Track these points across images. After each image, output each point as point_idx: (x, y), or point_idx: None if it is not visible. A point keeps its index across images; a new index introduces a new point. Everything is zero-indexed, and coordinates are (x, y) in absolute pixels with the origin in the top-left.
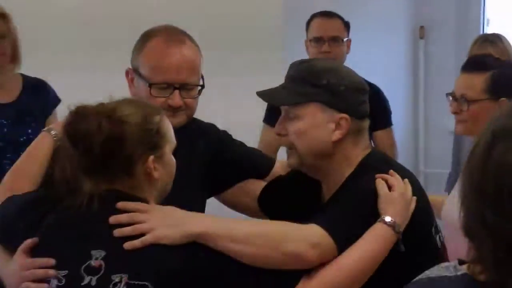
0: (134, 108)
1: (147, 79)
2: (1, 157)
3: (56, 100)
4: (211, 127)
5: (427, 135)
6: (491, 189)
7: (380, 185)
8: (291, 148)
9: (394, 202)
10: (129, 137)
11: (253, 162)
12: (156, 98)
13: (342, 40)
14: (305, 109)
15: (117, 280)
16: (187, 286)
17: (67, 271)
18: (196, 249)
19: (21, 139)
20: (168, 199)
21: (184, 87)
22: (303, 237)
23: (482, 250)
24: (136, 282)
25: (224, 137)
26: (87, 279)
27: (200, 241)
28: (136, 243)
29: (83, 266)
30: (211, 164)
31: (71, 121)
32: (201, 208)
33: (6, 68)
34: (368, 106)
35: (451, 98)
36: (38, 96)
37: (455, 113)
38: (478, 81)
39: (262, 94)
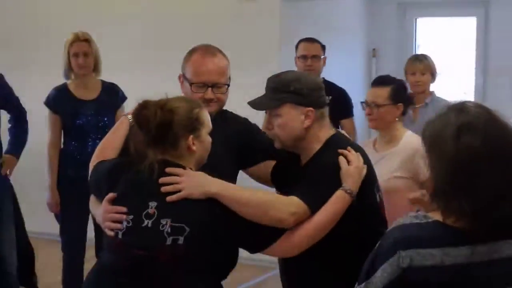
0: (181, 102)
1: (189, 81)
2: (86, 137)
3: (124, 98)
4: (244, 119)
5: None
6: (458, 164)
7: (342, 161)
8: (274, 139)
9: (352, 175)
10: (176, 122)
11: (270, 148)
12: (195, 93)
13: (320, 57)
14: (282, 109)
15: (164, 223)
16: (207, 228)
17: (132, 216)
18: (213, 205)
19: (100, 125)
20: (207, 168)
21: (215, 86)
22: (285, 207)
23: (451, 206)
24: (177, 224)
25: (253, 128)
26: (145, 222)
27: (216, 198)
28: (174, 197)
29: (143, 213)
30: (242, 147)
31: (137, 110)
32: (233, 177)
33: (90, 76)
34: (325, 98)
35: (365, 105)
36: (111, 95)
37: (368, 114)
38: (383, 92)
39: (251, 103)
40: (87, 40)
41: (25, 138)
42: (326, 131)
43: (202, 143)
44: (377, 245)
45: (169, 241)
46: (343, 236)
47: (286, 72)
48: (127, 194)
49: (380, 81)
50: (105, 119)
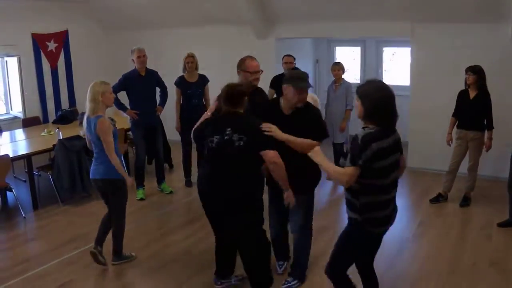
0: (238, 83)
1: (246, 70)
2: (192, 99)
3: (207, 81)
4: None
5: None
6: (380, 103)
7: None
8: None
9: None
10: (237, 93)
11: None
12: (251, 75)
13: (293, 63)
14: (286, 88)
15: (235, 138)
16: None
17: (219, 136)
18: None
19: (197, 93)
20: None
21: (258, 72)
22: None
23: (381, 121)
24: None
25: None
26: (226, 137)
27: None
28: (266, 132)
29: (225, 133)
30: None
31: (224, 88)
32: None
33: (193, 72)
34: (304, 83)
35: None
36: (203, 80)
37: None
38: None
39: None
40: (192, 56)
41: (166, 99)
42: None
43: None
44: (356, 143)
45: (237, 143)
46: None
47: (298, 71)
48: (214, 125)
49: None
50: (200, 90)
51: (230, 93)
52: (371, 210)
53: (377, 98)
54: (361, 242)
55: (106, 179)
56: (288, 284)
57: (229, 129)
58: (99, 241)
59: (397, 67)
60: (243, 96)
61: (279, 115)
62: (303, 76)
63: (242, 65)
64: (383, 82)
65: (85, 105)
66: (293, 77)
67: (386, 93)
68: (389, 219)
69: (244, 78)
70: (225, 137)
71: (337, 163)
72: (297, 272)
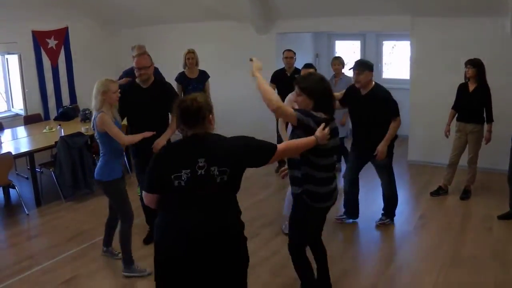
0: (193, 95)
1: (134, 67)
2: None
3: (208, 76)
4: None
5: None
6: (324, 94)
7: None
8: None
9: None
10: (195, 109)
11: None
12: (138, 71)
13: (293, 57)
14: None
15: (215, 172)
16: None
17: (188, 169)
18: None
19: (198, 89)
20: None
21: (144, 68)
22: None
23: (327, 111)
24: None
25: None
26: (200, 171)
27: None
28: None
29: (196, 166)
30: None
31: (175, 105)
32: None
33: (194, 67)
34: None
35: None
36: (204, 76)
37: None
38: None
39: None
40: (193, 52)
41: None
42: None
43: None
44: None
45: (218, 179)
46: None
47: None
48: (174, 154)
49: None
50: (200, 86)
51: (186, 110)
52: (311, 183)
53: (322, 89)
54: (304, 217)
55: (100, 181)
56: (382, 221)
57: (201, 159)
58: (106, 242)
59: (397, 61)
60: (204, 110)
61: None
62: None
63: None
64: (318, 73)
65: (88, 101)
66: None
67: (326, 83)
68: (330, 197)
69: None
70: (199, 172)
71: (338, 157)
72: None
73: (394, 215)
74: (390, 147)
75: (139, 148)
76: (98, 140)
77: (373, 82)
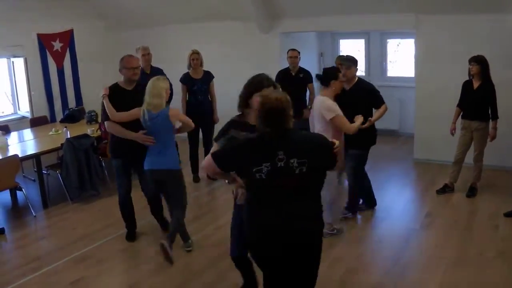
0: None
1: (126, 67)
2: (197, 95)
3: (212, 77)
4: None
5: None
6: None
7: None
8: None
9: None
10: (281, 108)
11: None
12: (130, 71)
13: (298, 57)
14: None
15: (294, 164)
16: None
17: (269, 162)
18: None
19: (202, 90)
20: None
21: (137, 67)
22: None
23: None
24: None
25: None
26: (279, 164)
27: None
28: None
29: (276, 159)
30: None
31: (260, 102)
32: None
33: (199, 68)
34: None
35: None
36: (208, 76)
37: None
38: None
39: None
40: (197, 53)
41: (172, 95)
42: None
43: None
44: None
45: (297, 170)
46: None
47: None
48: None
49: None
50: (205, 87)
51: (272, 110)
52: None
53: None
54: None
55: (172, 170)
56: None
57: (281, 152)
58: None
59: (402, 58)
60: (287, 109)
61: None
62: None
63: (122, 63)
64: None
65: (93, 103)
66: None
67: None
68: None
69: (126, 75)
70: (278, 164)
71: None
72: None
73: (357, 209)
74: (368, 140)
75: (123, 150)
76: (165, 134)
77: (356, 77)
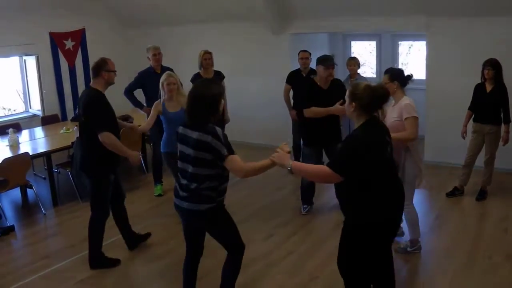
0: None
1: (111, 70)
2: None
3: (223, 77)
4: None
5: None
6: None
7: None
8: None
9: None
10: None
11: None
12: (115, 74)
13: (309, 58)
14: (317, 68)
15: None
16: None
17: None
18: None
19: None
20: None
21: None
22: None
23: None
24: None
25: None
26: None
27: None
28: None
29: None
30: None
31: (366, 91)
32: None
33: (210, 68)
34: (329, 62)
35: None
36: (219, 76)
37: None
38: (385, 77)
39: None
40: (210, 53)
41: None
42: None
43: None
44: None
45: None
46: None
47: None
48: None
49: (384, 71)
50: None
51: (383, 97)
52: None
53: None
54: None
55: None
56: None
57: (387, 136)
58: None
59: (414, 61)
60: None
61: (318, 90)
62: (328, 57)
63: (106, 66)
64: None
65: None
66: (320, 59)
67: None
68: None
69: (108, 78)
70: (388, 148)
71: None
72: None
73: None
74: None
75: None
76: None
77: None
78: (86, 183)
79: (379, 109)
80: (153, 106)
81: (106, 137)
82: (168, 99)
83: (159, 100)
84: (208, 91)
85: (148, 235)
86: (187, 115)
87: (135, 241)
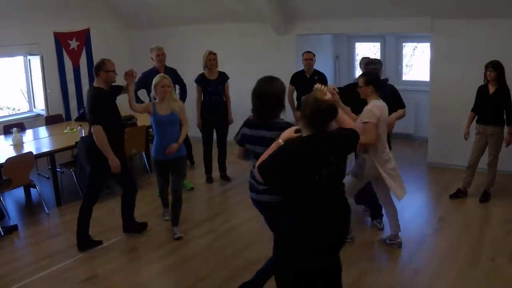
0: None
1: (109, 70)
2: (212, 96)
3: (227, 78)
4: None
5: None
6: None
7: None
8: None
9: None
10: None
11: None
12: (114, 73)
13: (313, 59)
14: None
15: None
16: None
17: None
18: None
19: (217, 90)
20: None
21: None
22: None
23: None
24: None
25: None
26: (333, 166)
27: None
28: None
29: (329, 161)
30: None
31: (311, 104)
32: None
33: (214, 69)
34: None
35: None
36: (223, 77)
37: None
38: (361, 80)
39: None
40: (214, 54)
41: (186, 96)
42: None
43: None
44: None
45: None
46: None
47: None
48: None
49: (360, 75)
50: (220, 88)
51: (320, 110)
52: None
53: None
54: None
55: (183, 156)
56: None
57: (332, 156)
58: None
59: (418, 62)
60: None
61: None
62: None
63: (104, 66)
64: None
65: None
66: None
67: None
68: None
69: (107, 77)
70: (332, 167)
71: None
72: None
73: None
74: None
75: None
76: (176, 124)
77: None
78: (87, 171)
79: (326, 125)
80: (144, 103)
81: (96, 130)
82: (159, 101)
83: (151, 102)
84: (272, 88)
85: (145, 225)
86: (255, 113)
87: (131, 226)
